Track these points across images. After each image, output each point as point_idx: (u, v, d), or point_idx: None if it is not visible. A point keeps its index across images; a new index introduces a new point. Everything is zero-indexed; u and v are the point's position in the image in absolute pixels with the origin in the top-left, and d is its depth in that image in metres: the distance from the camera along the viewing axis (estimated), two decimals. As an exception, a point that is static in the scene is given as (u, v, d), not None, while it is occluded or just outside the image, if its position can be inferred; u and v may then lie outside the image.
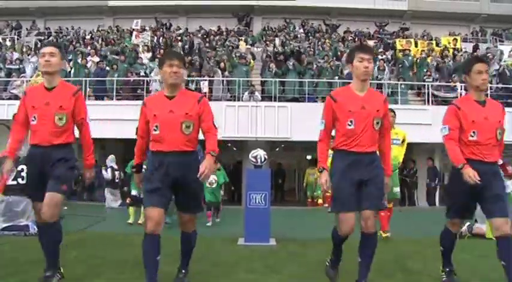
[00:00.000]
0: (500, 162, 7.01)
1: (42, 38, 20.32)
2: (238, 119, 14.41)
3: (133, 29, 19.81)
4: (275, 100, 14.82)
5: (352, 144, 3.73)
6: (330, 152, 4.10)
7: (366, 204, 3.71)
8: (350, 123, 3.72)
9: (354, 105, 3.73)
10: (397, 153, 6.54)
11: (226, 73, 15.58)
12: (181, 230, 4.02)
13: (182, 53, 17.27)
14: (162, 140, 3.73)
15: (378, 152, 3.91)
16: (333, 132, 3.97)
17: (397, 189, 6.90)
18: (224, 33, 20.63)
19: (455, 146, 3.90)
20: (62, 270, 4.10)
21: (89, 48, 18.17)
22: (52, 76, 4.02)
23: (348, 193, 3.70)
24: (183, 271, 4.07)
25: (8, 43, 19.66)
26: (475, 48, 19.10)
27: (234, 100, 14.95)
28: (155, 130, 3.73)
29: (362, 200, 3.71)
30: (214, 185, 8.75)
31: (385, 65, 16.08)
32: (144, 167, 4.02)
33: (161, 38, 19.36)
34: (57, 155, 3.92)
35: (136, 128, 3.99)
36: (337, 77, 15.27)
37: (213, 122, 3.87)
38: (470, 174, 3.69)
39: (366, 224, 3.73)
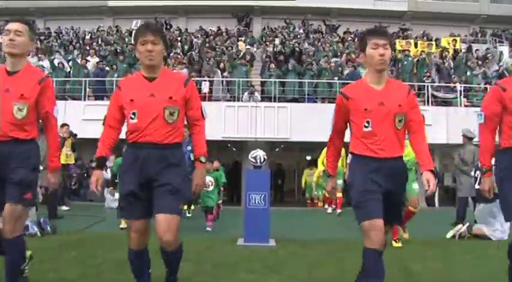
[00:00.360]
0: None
1: (42, 38, 20.33)
2: (238, 120, 14.42)
3: (133, 30, 19.82)
4: (275, 101, 14.82)
5: (372, 149, 3.11)
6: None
7: (391, 220, 3.23)
8: (367, 125, 3.11)
9: (370, 102, 3.11)
10: (410, 151, 6.21)
11: (226, 73, 15.60)
12: (160, 246, 3.15)
13: (182, 53, 17.32)
14: (140, 130, 3.09)
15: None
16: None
17: (415, 186, 6.55)
18: (224, 33, 20.65)
19: (489, 142, 3.41)
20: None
21: (87, 47, 18.22)
22: (17, 59, 3.30)
23: (374, 199, 3.07)
24: (172, 277, 3.43)
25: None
26: (469, 49, 19.04)
27: (234, 100, 14.96)
28: (132, 118, 3.11)
29: (386, 213, 3.17)
30: (210, 188, 7.85)
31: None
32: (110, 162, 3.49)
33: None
34: (16, 154, 3.20)
35: (105, 117, 3.35)
36: (336, 78, 15.28)
37: (202, 111, 3.29)
38: (486, 188, 3.41)
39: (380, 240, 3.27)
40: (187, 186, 3.22)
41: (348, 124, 3.30)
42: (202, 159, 3.24)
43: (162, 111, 3.09)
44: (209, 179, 7.76)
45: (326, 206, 11.80)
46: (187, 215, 9.21)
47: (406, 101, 3.15)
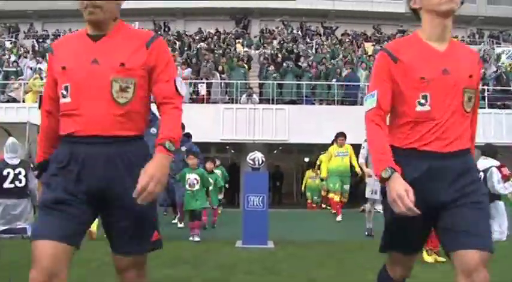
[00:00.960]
0: (498, 164, 7.07)
1: (40, 40, 20.34)
2: (236, 122, 14.44)
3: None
4: (273, 102, 14.85)
5: (428, 138, 2.04)
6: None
7: (463, 242, 1.94)
8: (423, 101, 2.05)
9: (430, 68, 2.06)
10: None
11: (224, 75, 15.63)
12: None
13: (180, 55, 17.34)
14: (75, 115, 2.00)
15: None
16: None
17: None
18: (222, 35, 20.69)
19: None
20: None
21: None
22: None
23: (415, 229, 2.09)
24: None
25: (7, 45, 19.66)
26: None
27: (232, 103, 14.99)
28: (64, 96, 2.02)
29: (452, 232, 1.99)
30: (196, 187, 6.65)
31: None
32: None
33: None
34: None
35: (40, 98, 2.33)
36: (334, 80, 15.31)
37: (176, 85, 2.08)
38: None
39: (470, 277, 1.91)
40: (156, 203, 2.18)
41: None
42: (169, 145, 1.96)
43: (109, 85, 1.99)
44: (194, 176, 6.71)
45: (333, 211, 10.45)
46: (179, 225, 8.41)
47: (477, 73, 2.16)
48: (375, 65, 2.21)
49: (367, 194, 7.29)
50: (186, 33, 21.28)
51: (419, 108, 2.06)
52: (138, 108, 2.06)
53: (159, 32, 20.84)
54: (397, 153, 2.05)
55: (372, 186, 7.11)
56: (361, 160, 7.51)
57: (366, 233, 7.31)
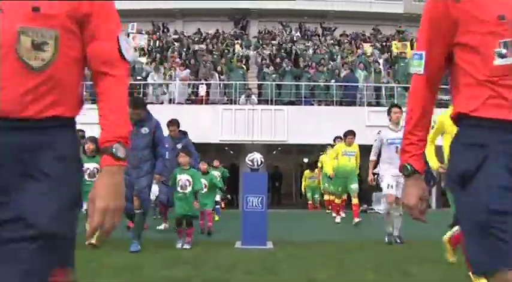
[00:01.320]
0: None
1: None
2: (235, 123, 14.45)
3: (130, 33, 19.82)
4: (272, 103, 14.86)
5: None
6: None
7: None
8: (505, 51, 1.43)
9: (508, 4, 1.44)
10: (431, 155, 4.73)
11: (223, 76, 15.65)
12: None
13: (179, 56, 17.34)
14: None
15: None
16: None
17: None
18: (221, 36, 20.71)
19: None
20: None
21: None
22: None
23: None
24: None
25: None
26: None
27: (231, 103, 15.00)
28: None
29: None
30: (188, 189, 5.99)
31: (381, 67, 16.16)
32: None
33: (157, 41, 19.40)
34: None
35: None
36: (333, 80, 15.32)
37: (120, 46, 1.43)
38: None
39: None
40: (74, 216, 1.37)
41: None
42: (117, 150, 1.37)
43: (15, 40, 1.29)
44: (186, 178, 6.00)
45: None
46: (159, 227, 7.96)
47: None
48: (425, 12, 1.60)
49: (384, 190, 6.34)
50: (185, 34, 21.28)
51: (498, 61, 1.44)
52: (65, 76, 1.37)
53: (158, 33, 20.84)
54: (477, 123, 1.48)
55: (388, 181, 6.25)
56: (372, 157, 6.82)
57: (386, 240, 6.52)
